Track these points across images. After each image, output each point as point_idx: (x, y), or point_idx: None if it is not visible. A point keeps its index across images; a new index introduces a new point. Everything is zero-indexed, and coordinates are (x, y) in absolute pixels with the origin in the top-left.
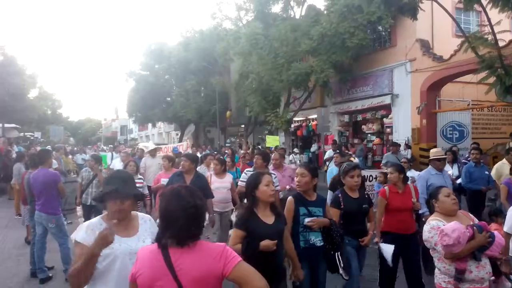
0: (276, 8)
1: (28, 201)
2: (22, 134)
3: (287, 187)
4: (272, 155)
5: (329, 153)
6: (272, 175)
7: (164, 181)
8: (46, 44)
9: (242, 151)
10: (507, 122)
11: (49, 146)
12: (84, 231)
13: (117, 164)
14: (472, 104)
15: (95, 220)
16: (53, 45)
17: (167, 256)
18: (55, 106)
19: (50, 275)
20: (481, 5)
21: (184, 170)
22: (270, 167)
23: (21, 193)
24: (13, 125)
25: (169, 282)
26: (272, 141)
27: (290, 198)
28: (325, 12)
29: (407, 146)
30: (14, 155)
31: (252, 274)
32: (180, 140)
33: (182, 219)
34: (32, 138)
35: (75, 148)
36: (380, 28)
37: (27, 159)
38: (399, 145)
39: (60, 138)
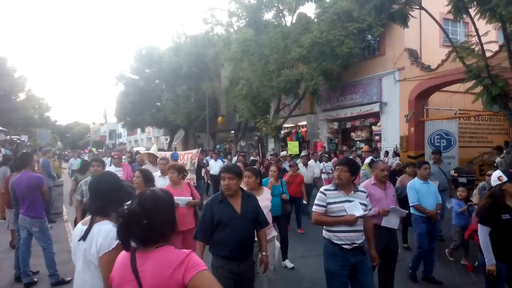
0: (268, 16)
1: (13, 205)
2: (8, 137)
3: (389, 209)
4: (378, 164)
5: (368, 160)
6: (362, 193)
7: (178, 200)
8: (35, 48)
9: (251, 158)
10: (494, 131)
11: (29, 149)
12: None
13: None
14: (459, 113)
15: (112, 224)
16: (42, 49)
17: (133, 261)
18: (42, 110)
19: (35, 279)
20: (469, 16)
21: (231, 192)
22: (368, 181)
23: (6, 196)
24: None
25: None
26: (293, 147)
27: None
28: (316, 20)
29: (395, 153)
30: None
31: (211, 284)
32: (170, 145)
33: (134, 230)
34: (19, 141)
35: (65, 152)
36: (369, 37)
37: (12, 162)
38: (440, 153)
39: (47, 141)
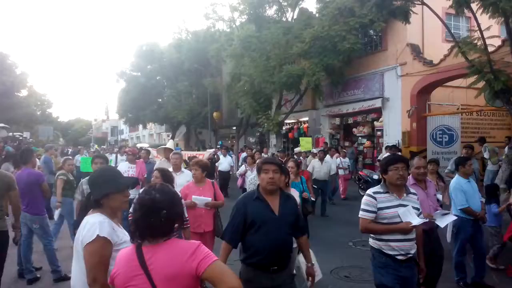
0: (270, 11)
1: None
2: (10, 134)
3: (434, 215)
4: (414, 161)
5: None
6: (414, 196)
7: (197, 199)
8: (36, 44)
9: (262, 154)
10: (496, 127)
11: (31, 146)
12: (108, 227)
13: (123, 168)
14: (461, 108)
15: (100, 217)
16: (43, 45)
17: (140, 255)
18: (44, 106)
19: (38, 275)
20: (471, 10)
21: (275, 186)
22: None
23: None
24: (1, 124)
25: (142, 281)
26: (305, 144)
27: None
28: (317, 15)
29: (397, 149)
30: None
31: (226, 274)
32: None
33: (153, 220)
34: (21, 138)
35: (67, 149)
36: (371, 32)
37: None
38: (473, 148)
39: (49, 138)
